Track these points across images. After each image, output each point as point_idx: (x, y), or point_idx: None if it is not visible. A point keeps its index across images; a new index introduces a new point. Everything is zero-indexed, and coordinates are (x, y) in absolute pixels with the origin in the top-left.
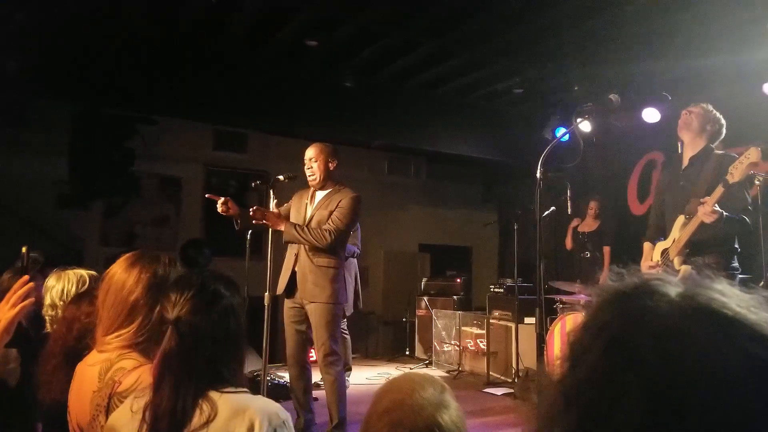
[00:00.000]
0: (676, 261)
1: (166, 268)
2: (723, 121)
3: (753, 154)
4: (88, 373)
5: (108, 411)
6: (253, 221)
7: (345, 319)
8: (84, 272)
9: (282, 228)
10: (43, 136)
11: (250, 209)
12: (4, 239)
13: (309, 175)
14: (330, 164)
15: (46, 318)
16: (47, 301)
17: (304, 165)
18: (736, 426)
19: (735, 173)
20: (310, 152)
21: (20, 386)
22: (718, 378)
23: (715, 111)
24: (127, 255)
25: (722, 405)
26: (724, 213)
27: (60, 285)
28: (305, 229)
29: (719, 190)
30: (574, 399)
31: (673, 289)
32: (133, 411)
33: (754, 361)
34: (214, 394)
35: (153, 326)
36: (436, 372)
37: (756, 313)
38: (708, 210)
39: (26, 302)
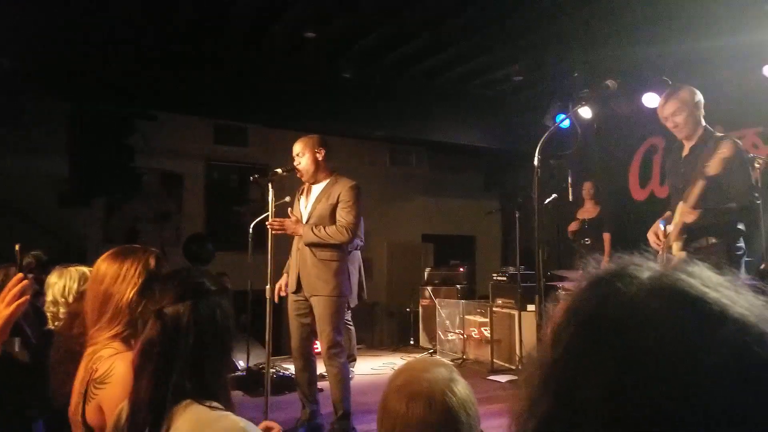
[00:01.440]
0: (675, 246)
1: (140, 260)
2: (695, 90)
3: (727, 147)
4: (82, 364)
5: (86, 398)
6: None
7: (349, 311)
8: (86, 269)
9: (301, 233)
10: (43, 134)
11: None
12: (7, 238)
13: (299, 170)
14: (317, 154)
15: (48, 314)
16: (49, 297)
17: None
18: (693, 396)
19: (711, 166)
20: (297, 147)
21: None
22: (676, 353)
23: (684, 89)
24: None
25: (681, 378)
26: (706, 209)
27: (62, 282)
28: (321, 229)
29: (701, 184)
30: (549, 381)
31: (647, 273)
32: None
33: (710, 336)
34: (178, 409)
35: (123, 314)
36: None
37: (720, 291)
38: (685, 210)
39: (21, 300)
